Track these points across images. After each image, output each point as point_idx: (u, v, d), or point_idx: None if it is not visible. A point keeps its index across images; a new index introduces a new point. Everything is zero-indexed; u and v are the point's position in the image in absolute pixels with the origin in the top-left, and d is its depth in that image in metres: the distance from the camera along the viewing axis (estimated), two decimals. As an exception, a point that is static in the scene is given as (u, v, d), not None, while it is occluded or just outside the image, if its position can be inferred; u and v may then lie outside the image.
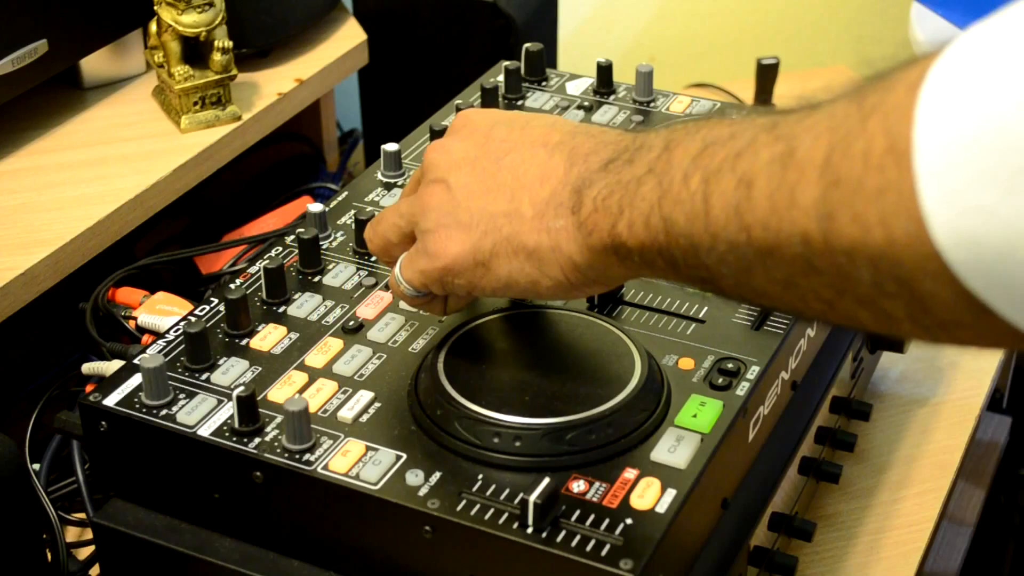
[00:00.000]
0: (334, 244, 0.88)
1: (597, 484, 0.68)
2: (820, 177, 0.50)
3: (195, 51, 1.09)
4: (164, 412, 0.73)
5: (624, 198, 0.61)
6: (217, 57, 1.08)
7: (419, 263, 0.71)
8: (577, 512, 0.66)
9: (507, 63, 1.05)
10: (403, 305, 0.78)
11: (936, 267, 0.47)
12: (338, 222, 0.90)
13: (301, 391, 0.75)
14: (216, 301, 0.82)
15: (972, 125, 0.45)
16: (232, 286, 0.82)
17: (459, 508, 0.66)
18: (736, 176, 0.55)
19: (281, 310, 0.82)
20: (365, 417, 0.73)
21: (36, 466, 0.91)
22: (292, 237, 0.88)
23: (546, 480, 0.66)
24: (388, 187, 0.94)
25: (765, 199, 0.53)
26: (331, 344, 0.78)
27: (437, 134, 0.97)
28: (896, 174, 0.47)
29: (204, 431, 0.72)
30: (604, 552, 0.64)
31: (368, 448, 0.70)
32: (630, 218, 0.61)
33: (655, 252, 0.60)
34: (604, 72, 1.05)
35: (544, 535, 0.65)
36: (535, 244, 0.66)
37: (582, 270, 0.65)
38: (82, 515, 0.89)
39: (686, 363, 0.76)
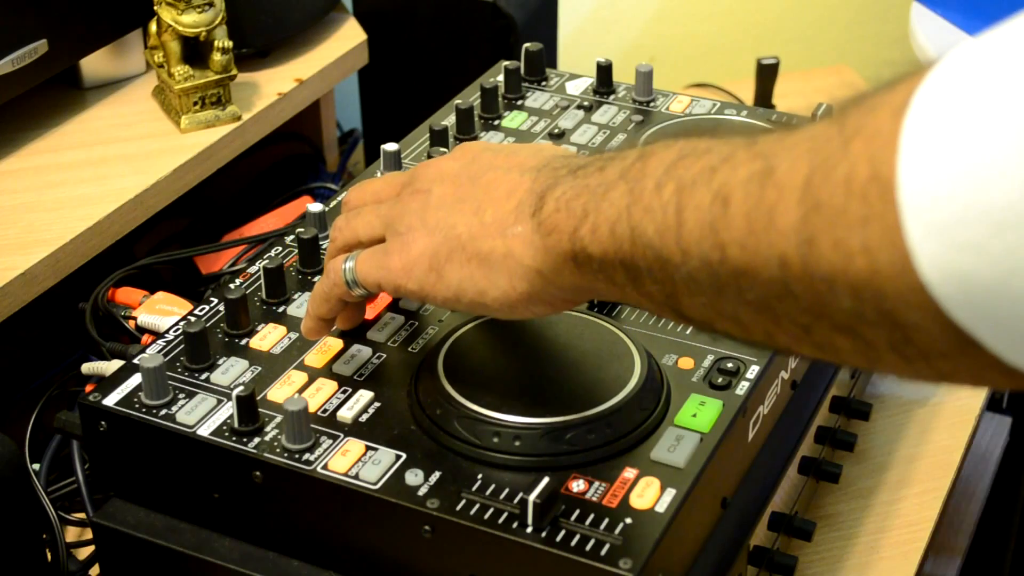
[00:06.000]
0: (334, 244, 0.88)
1: (596, 483, 0.68)
2: (800, 200, 0.49)
3: (195, 51, 1.09)
4: (164, 412, 0.73)
5: (590, 202, 0.60)
6: (217, 57, 1.08)
7: (381, 261, 0.70)
8: (577, 512, 0.66)
9: (507, 63, 1.05)
10: (307, 315, 0.77)
11: (921, 300, 0.45)
12: (338, 222, 0.90)
13: (301, 391, 0.75)
14: (216, 301, 0.82)
15: (960, 158, 0.43)
16: (232, 286, 0.82)
17: (459, 508, 0.66)
18: (712, 191, 0.53)
19: (281, 310, 0.82)
20: (365, 417, 0.73)
21: (36, 466, 0.91)
22: (292, 237, 0.88)
23: (546, 480, 0.66)
24: (388, 187, 0.94)
25: (742, 217, 0.51)
26: (331, 344, 0.78)
27: (437, 134, 0.97)
28: (880, 204, 0.46)
29: (204, 431, 0.72)
30: (604, 552, 0.64)
31: (368, 448, 0.70)
32: (594, 222, 0.59)
33: (617, 262, 0.58)
34: (604, 72, 1.05)
35: (544, 535, 0.65)
36: (488, 249, 0.65)
37: (531, 279, 0.64)
38: (82, 515, 0.89)
39: (686, 362, 0.76)
